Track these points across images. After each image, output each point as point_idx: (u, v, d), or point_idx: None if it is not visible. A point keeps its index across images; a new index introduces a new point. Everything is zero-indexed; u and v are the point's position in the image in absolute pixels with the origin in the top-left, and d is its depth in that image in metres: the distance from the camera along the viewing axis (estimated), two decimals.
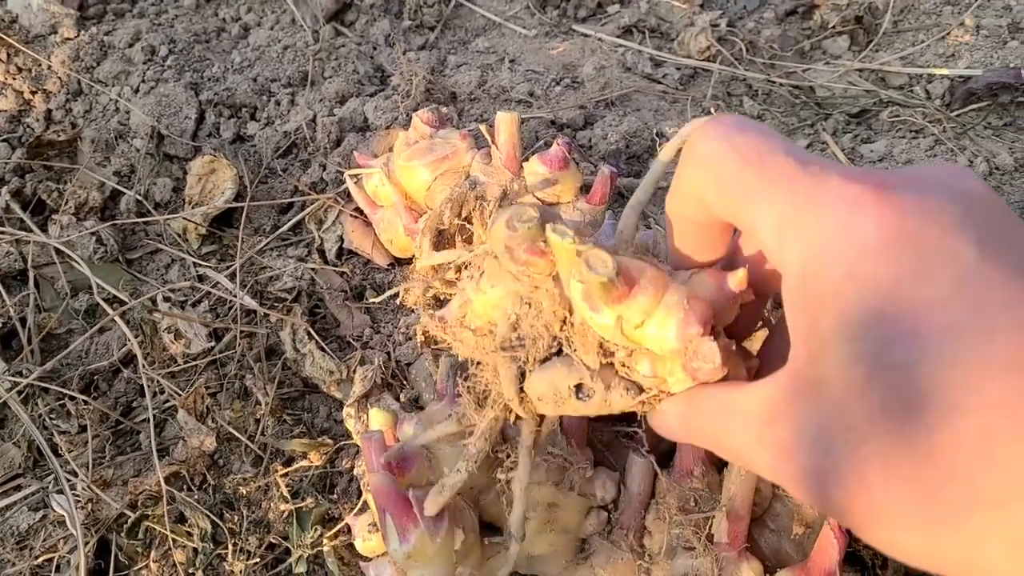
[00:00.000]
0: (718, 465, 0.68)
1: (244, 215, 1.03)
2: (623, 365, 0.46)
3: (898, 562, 0.74)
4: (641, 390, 0.46)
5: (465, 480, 0.53)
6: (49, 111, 1.18)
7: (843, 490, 0.32)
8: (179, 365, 0.90)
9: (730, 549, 0.64)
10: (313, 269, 0.97)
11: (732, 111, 1.14)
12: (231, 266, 0.99)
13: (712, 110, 1.14)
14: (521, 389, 0.49)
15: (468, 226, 0.88)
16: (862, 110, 1.14)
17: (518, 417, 0.51)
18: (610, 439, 0.73)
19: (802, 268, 0.34)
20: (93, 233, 1.01)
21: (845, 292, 0.32)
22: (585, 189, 0.88)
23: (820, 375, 0.33)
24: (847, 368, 0.32)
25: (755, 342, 0.50)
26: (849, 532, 0.64)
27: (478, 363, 0.52)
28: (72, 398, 0.88)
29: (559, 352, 0.49)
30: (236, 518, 0.79)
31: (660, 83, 1.20)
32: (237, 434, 0.84)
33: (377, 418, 0.71)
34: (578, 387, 0.47)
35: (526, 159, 0.87)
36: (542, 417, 0.53)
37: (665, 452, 0.71)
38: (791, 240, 0.34)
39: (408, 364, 0.90)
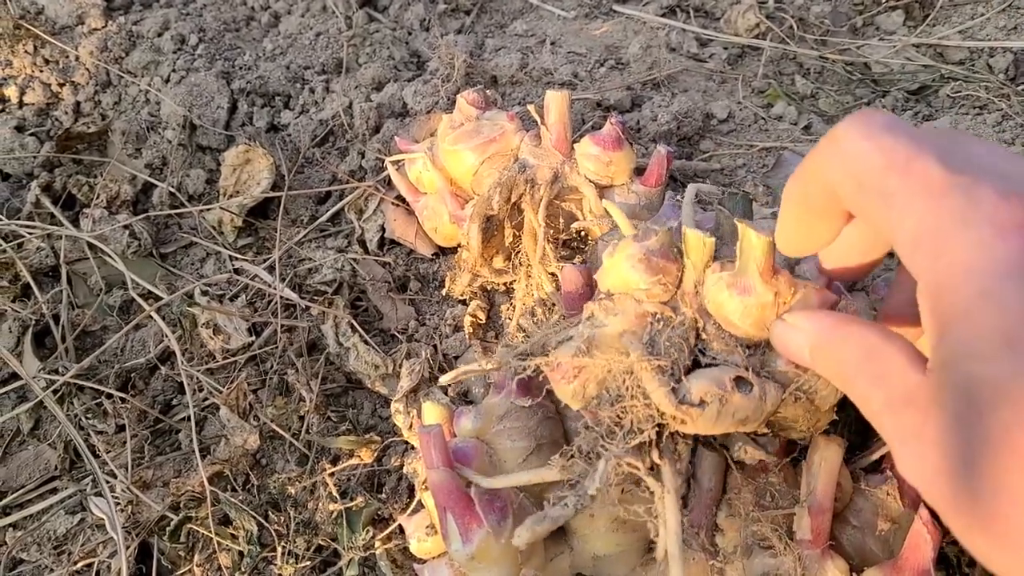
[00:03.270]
0: (793, 458, 0.64)
1: (281, 206, 1.00)
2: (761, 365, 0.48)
3: None
4: (783, 386, 0.48)
5: (571, 516, 0.50)
6: (78, 103, 1.15)
7: (978, 507, 0.31)
8: (218, 361, 0.87)
9: (813, 547, 0.59)
10: (354, 260, 0.93)
11: (783, 90, 1.10)
12: (268, 259, 0.96)
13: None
14: (674, 394, 0.47)
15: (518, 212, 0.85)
16: (921, 86, 1.09)
17: (654, 466, 0.49)
18: None
19: (936, 280, 0.33)
20: (126, 227, 0.97)
21: (977, 311, 0.31)
22: (638, 171, 0.84)
23: (953, 384, 0.32)
24: (975, 387, 0.31)
25: None
26: (943, 528, 0.60)
27: (596, 404, 0.51)
28: (109, 396, 0.85)
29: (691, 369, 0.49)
30: (283, 519, 0.76)
31: (707, 63, 1.15)
32: (281, 432, 0.81)
33: (431, 412, 0.68)
34: (738, 380, 0.46)
35: (576, 140, 0.83)
36: (683, 443, 0.51)
37: None
38: (927, 250, 0.34)
39: (456, 357, 0.87)
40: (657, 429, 0.48)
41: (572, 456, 0.51)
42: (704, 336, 0.50)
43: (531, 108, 0.85)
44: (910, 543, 0.57)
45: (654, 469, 0.49)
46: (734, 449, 0.57)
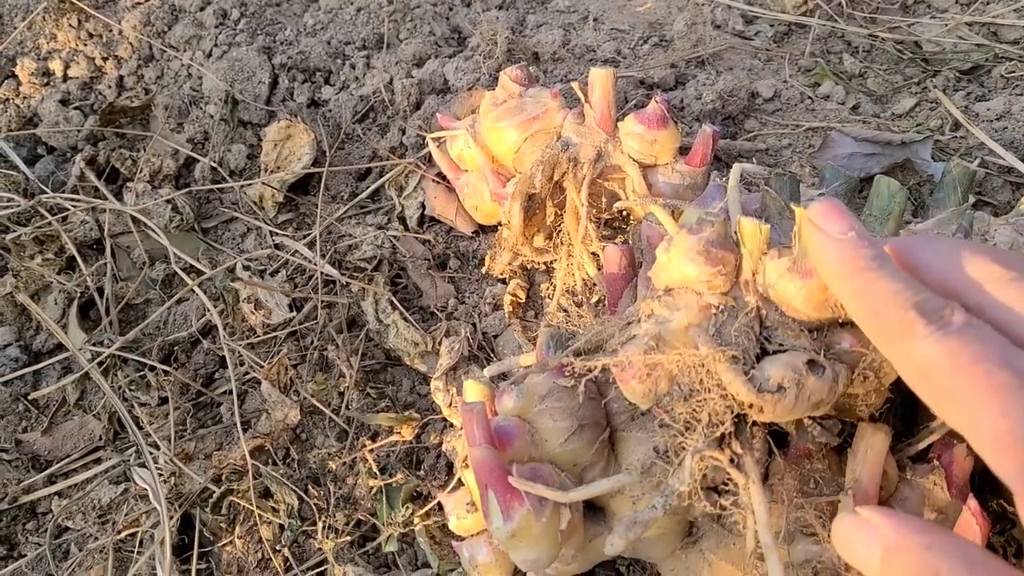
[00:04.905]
0: (838, 445, 0.63)
1: (322, 182, 1.00)
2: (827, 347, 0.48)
3: None
4: (851, 367, 0.47)
5: (660, 518, 0.50)
6: (121, 77, 1.16)
7: None
8: (258, 336, 0.87)
9: None
10: (394, 237, 0.93)
11: (831, 69, 1.07)
12: (309, 235, 0.96)
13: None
14: (752, 381, 0.46)
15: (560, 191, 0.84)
16: (974, 66, 1.06)
17: (734, 457, 0.49)
18: None
19: None
20: (169, 201, 0.98)
21: None
22: (683, 151, 0.83)
23: None
24: None
25: None
26: (992, 518, 0.59)
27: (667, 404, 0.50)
28: (152, 369, 0.86)
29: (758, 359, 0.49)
30: (323, 494, 0.76)
31: (752, 40, 1.13)
32: (321, 407, 0.81)
33: (473, 390, 0.67)
34: (810, 363, 0.46)
35: (620, 118, 0.82)
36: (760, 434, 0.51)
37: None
38: (1013, 454, 0.34)
39: (495, 336, 0.86)
40: (735, 420, 0.48)
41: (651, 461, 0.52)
42: (768, 324, 0.50)
43: (575, 86, 0.84)
44: (958, 533, 0.56)
45: (734, 461, 0.48)
46: (799, 434, 0.56)
